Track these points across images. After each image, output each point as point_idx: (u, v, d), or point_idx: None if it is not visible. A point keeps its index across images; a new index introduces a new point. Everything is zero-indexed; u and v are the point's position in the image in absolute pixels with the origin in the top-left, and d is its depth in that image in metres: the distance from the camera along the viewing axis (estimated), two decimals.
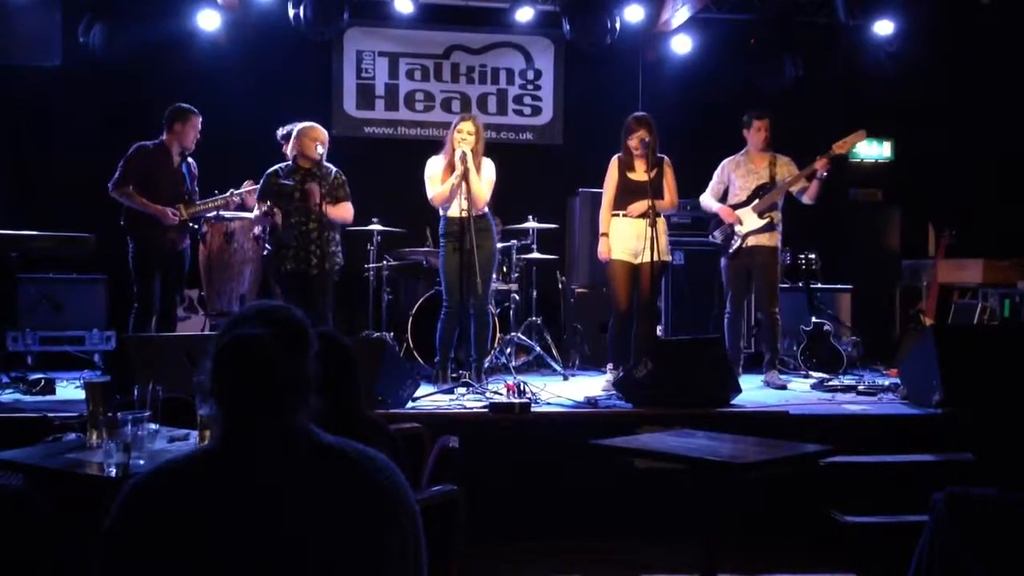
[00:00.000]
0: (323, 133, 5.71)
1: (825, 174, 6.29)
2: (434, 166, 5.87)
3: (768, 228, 6.36)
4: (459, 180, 5.65)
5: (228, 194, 6.18)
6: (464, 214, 5.62)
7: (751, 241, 6.38)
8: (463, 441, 3.11)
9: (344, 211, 5.73)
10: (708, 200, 6.59)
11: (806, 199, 6.46)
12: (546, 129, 8.71)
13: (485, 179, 5.79)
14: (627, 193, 5.97)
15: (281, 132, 6.60)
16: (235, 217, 6.40)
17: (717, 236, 6.52)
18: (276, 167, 5.80)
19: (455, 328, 5.82)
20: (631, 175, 6.01)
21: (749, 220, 6.38)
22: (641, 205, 5.84)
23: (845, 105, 8.39)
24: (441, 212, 5.85)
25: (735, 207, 6.42)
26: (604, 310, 6.64)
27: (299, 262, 5.59)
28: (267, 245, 5.83)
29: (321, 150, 5.59)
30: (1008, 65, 7.98)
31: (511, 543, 4.42)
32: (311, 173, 5.62)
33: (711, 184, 6.60)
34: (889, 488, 4.63)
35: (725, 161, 6.59)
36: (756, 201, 6.38)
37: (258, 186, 6.18)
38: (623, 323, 5.99)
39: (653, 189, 5.82)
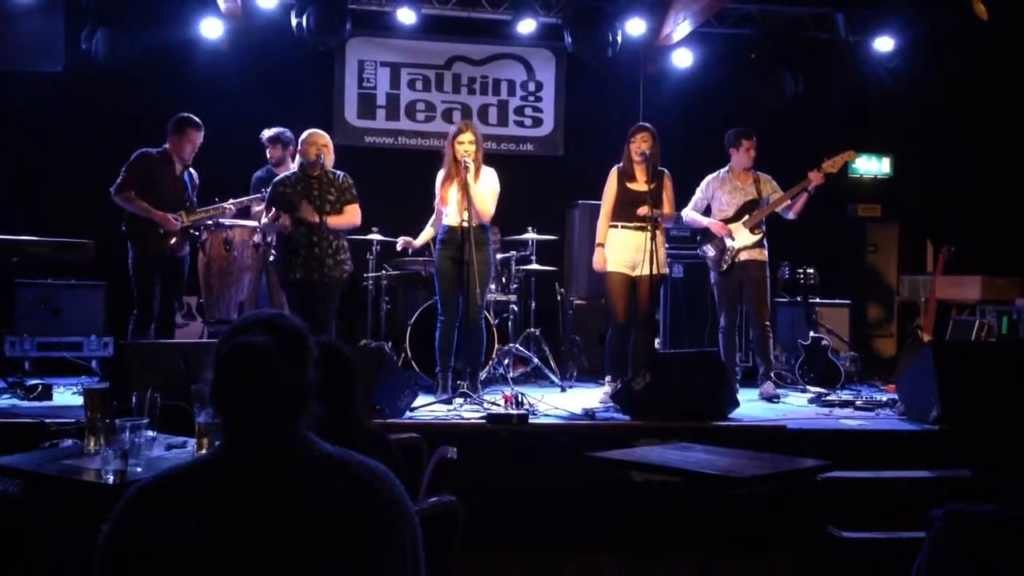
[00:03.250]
0: (323, 138, 5.71)
1: (815, 189, 6.33)
2: (437, 181, 5.89)
3: (759, 244, 6.42)
4: (461, 193, 5.65)
5: (227, 203, 6.20)
6: (466, 224, 5.61)
7: (744, 256, 6.41)
8: (461, 452, 3.11)
9: (349, 217, 5.73)
10: (693, 215, 6.60)
11: (791, 215, 6.50)
12: (546, 140, 8.73)
13: (489, 190, 5.79)
14: (626, 204, 5.98)
15: (266, 134, 6.63)
16: (235, 225, 6.41)
17: (708, 251, 6.54)
18: (283, 175, 5.83)
19: (452, 337, 5.81)
20: (631, 185, 6.03)
21: (741, 235, 6.41)
22: (646, 208, 5.84)
23: (845, 121, 8.41)
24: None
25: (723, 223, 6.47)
26: (603, 322, 6.65)
27: (308, 271, 5.59)
28: (274, 251, 5.83)
29: (322, 156, 5.60)
30: (1007, 82, 8.00)
31: (508, 554, 4.41)
32: (316, 179, 5.63)
33: (694, 200, 6.63)
34: (886, 504, 4.62)
35: (709, 177, 6.62)
36: (746, 217, 6.42)
37: (257, 195, 6.22)
38: (621, 335, 5.99)
39: (653, 200, 5.83)
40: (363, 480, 1.71)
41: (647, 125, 6.12)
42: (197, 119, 6.09)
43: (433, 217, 5.99)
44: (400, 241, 6.24)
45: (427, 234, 6.05)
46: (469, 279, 5.57)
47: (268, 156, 6.71)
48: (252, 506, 1.62)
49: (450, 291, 5.76)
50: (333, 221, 5.60)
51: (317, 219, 5.51)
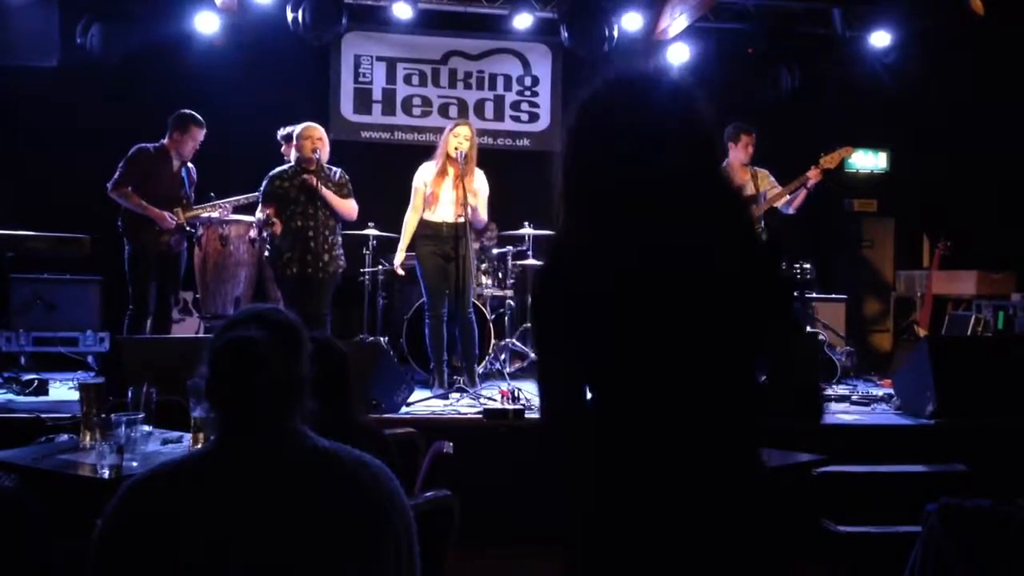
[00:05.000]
0: (318, 131, 5.71)
1: (813, 185, 6.33)
2: (424, 174, 5.85)
3: None
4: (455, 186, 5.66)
5: (226, 200, 6.18)
6: (460, 219, 5.62)
7: None
8: (457, 447, 3.11)
9: (346, 204, 5.73)
10: None
11: (791, 210, 6.51)
12: (543, 136, 8.72)
13: (483, 193, 5.79)
14: None
15: (281, 133, 6.62)
16: (231, 220, 6.39)
17: None
18: (279, 169, 5.81)
19: (443, 333, 5.81)
20: None
21: None
22: None
23: (841, 116, 8.41)
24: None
25: None
26: None
27: (303, 265, 5.59)
28: (268, 247, 5.82)
29: (318, 151, 5.60)
30: (1004, 78, 8.01)
31: (504, 549, 4.41)
32: (312, 174, 5.62)
33: None
34: (882, 498, 4.63)
35: None
36: None
37: (254, 194, 6.20)
38: None
39: None
40: (358, 474, 1.71)
41: None
42: (200, 117, 6.07)
43: (405, 226, 5.88)
44: (398, 266, 6.14)
45: (403, 249, 5.97)
46: (461, 275, 5.58)
47: (283, 153, 6.68)
48: (246, 501, 1.62)
49: (438, 287, 5.76)
50: (330, 196, 5.59)
51: (314, 182, 5.50)
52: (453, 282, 5.66)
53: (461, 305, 5.69)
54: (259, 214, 5.79)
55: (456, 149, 5.65)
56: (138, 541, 1.59)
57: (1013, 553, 2.69)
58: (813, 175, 6.32)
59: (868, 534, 4.41)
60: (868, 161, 8.94)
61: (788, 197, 6.42)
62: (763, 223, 6.48)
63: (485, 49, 8.65)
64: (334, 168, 5.78)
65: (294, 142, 5.77)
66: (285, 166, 5.86)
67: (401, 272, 6.17)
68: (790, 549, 1.83)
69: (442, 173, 5.75)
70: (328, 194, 5.59)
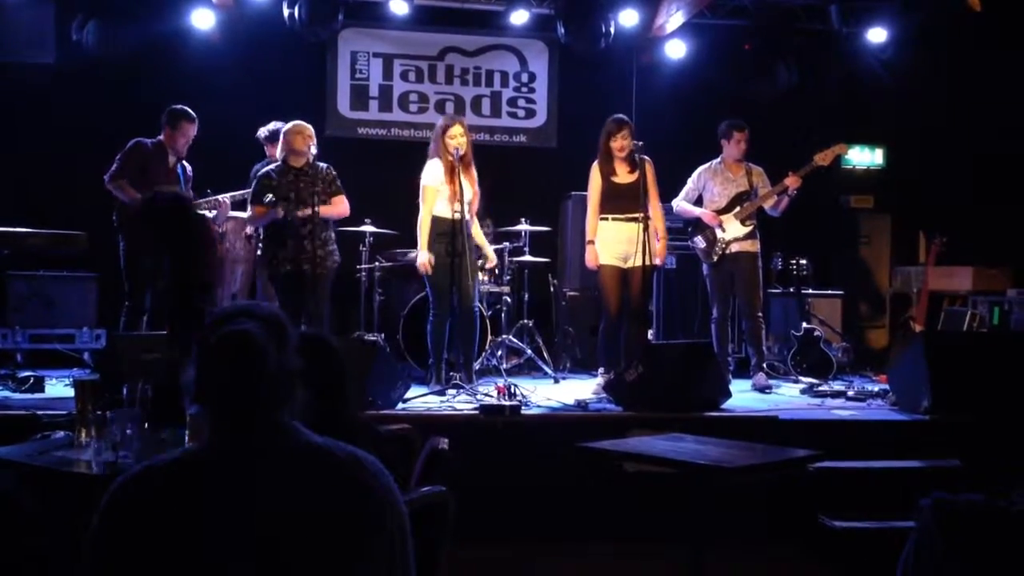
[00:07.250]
0: (306, 128, 5.70)
1: (795, 191, 6.34)
2: (435, 172, 5.82)
3: (751, 235, 6.43)
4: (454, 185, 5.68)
5: (223, 196, 6.18)
6: (458, 215, 5.63)
7: (734, 248, 6.42)
8: (453, 443, 3.11)
9: (338, 207, 5.72)
10: (684, 205, 6.61)
11: (777, 213, 6.52)
12: (540, 132, 8.72)
13: (476, 189, 5.83)
14: (613, 197, 5.98)
15: (263, 133, 6.61)
16: (228, 217, 6.38)
17: (699, 242, 6.54)
18: (268, 168, 5.80)
19: (445, 331, 5.82)
20: (615, 179, 6.02)
21: (732, 227, 6.42)
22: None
23: (838, 112, 8.42)
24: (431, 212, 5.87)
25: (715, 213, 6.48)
26: (595, 313, 6.64)
27: (296, 263, 5.57)
28: (259, 245, 5.80)
29: (307, 147, 5.59)
30: (1000, 73, 8.01)
31: (500, 546, 4.42)
32: (302, 172, 5.62)
33: (685, 190, 6.63)
34: (877, 493, 4.64)
35: (701, 168, 6.63)
36: (737, 208, 6.44)
37: (250, 190, 6.19)
38: (614, 327, 6.00)
39: (640, 191, 5.83)
40: (351, 470, 1.71)
41: (625, 118, 6.06)
42: (191, 112, 6.07)
43: (421, 225, 5.79)
44: (426, 264, 5.85)
45: (425, 246, 5.79)
46: (463, 269, 5.59)
47: (267, 153, 6.68)
48: (238, 497, 1.62)
49: (443, 283, 5.76)
50: (325, 211, 5.58)
51: (310, 212, 5.49)
52: (459, 276, 5.67)
53: (464, 298, 5.70)
54: (251, 210, 5.77)
55: (456, 148, 5.68)
56: (131, 538, 1.59)
57: (1006, 547, 2.70)
58: (791, 182, 6.33)
59: (863, 529, 4.43)
60: (864, 157, 8.95)
61: (775, 199, 6.44)
62: (756, 220, 6.49)
63: (482, 45, 8.64)
64: (321, 164, 5.76)
65: (282, 140, 5.74)
66: (274, 164, 5.84)
67: (429, 271, 5.80)
68: None
69: (451, 173, 5.75)
70: (323, 210, 5.55)
